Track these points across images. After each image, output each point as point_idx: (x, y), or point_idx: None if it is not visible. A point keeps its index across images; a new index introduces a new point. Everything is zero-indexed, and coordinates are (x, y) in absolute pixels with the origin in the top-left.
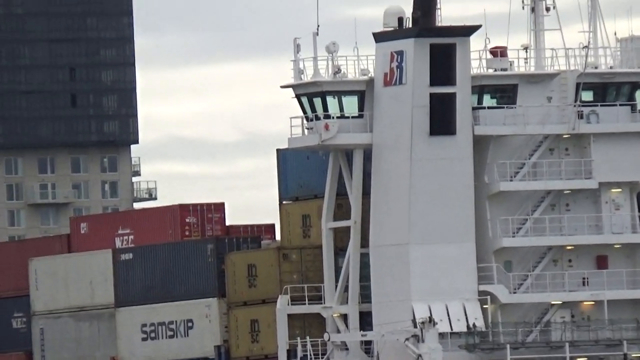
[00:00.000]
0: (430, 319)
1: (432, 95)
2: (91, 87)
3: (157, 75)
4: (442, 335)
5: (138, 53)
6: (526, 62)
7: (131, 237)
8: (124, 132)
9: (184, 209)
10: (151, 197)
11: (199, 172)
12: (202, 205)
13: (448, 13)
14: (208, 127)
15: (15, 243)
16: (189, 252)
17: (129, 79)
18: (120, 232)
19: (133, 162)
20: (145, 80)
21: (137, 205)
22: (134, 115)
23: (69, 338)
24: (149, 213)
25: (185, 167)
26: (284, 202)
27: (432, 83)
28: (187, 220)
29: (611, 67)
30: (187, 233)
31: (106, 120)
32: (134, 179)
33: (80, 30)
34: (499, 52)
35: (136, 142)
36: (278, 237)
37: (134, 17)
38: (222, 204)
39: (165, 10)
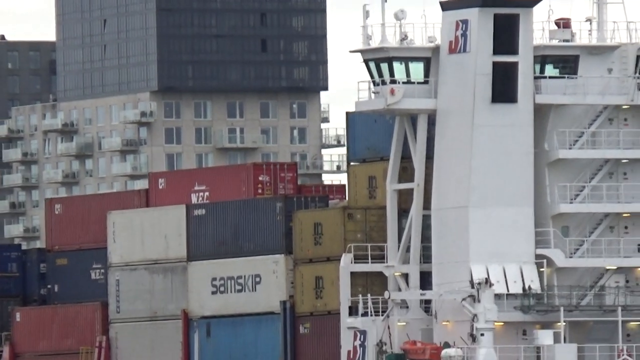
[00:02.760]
0: (487, 280)
1: (494, 63)
2: (281, 33)
3: (346, 20)
4: (498, 296)
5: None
6: (589, 34)
7: (206, 193)
8: (314, 79)
9: (257, 167)
10: (339, 143)
11: None
12: (275, 164)
13: None
14: None
15: (96, 196)
16: (259, 209)
17: (319, 25)
18: (196, 188)
19: (322, 109)
20: (335, 25)
21: (325, 152)
22: (324, 61)
23: (143, 290)
24: (224, 170)
25: None
26: (351, 163)
27: (495, 52)
28: (260, 178)
29: None
30: (259, 191)
31: (296, 66)
32: (323, 126)
33: None
34: (562, 24)
35: (326, 88)
36: None
37: None
38: (295, 164)
39: None
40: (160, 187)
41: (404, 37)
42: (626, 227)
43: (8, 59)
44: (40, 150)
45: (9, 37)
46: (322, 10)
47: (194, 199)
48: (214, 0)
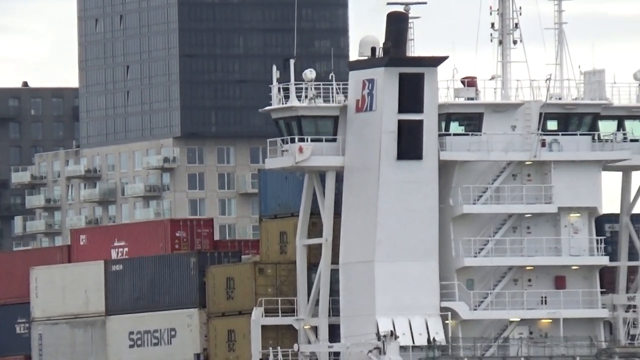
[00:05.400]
0: (392, 333)
1: (400, 121)
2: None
3: None
4: (404, 348)
5: (352, 45)
6: (494, 92)
7: (125, 249)
8: None
9: (174, 223)
10: None
11: None
12: (191, 220)
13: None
14: None
15: (20, 252)
16: (174, 264)
17: (342, 70)
18: (115, 244)
19: None
20: None
21: None
22: None
23: (64, 344)
24: (142, 226)
25: None
26: (263, 219)
27: (401, 110)
28: (177, 234)
29: (575, 99)
30: (177, 246)
31: None
32: None
33: (294, 20)
34: (466, 82)
35: None
36: None
37: (349, 9)
38: (211, 220)
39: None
40: (82, 243)
41: (312, 97)
42: (529, 280)
43: (31, 106)
44: (64, 197)
45: (32, 84)
46: (345, 56)
47: (113, 255)
48: (237, 46)
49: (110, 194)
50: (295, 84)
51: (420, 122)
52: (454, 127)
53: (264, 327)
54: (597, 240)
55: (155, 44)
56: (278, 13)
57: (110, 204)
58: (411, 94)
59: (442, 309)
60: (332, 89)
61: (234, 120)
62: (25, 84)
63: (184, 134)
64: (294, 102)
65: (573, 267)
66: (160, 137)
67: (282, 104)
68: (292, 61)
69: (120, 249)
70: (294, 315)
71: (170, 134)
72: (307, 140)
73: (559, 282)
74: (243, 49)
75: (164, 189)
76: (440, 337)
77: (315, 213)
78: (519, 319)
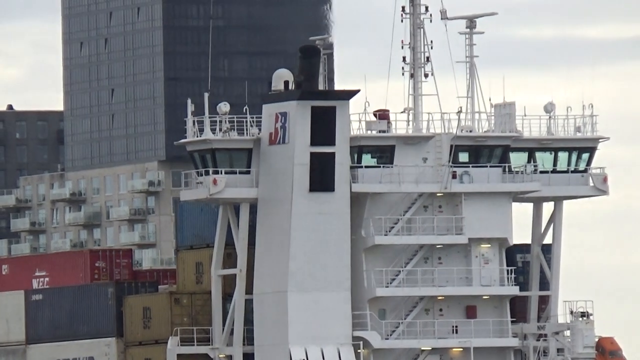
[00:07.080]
0: None
1: (312, 154)
2: None
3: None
4: None
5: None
6: (408, 125)
7: (46, 279)
8: None
9: (93, 253)
10: None
11: None
12: (111, 250)
13: None
14: None
15: None
16: (92, 294)
17: None
18: (37, 274)
19: None
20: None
21: None
22: None
23: None
24: (63, 257)
25: None
26: (180, 250)
27: (313, 143)
28: (97, 264)
29: (486, 131)
30: (96, 277)
31: None
32: None
33: (279, 43)
34: (378, 115)
35: None
36: None
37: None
38: (130, 250)
39: (364, 24)
40: (4, 272)
41: (226, 130)
42: (441, 310)
43: (16, 129)
44: (48, 220)
45: (17, 107)
46: (330, 79)
47: (35, 285)
48: (222, 69)
49: (95, 217)
50: (210, 117)
51: (332, 154)
52: (366, 159)
53: (179, 356)
54: (507, 271)
55: (140, 67)
56: (263, 36)
57: (95, 227)
58: (323, 126)
59: (354, 338)
60: (246, 121)
61: None
62: (10, 107)
63: (168, 158)
64: (208, 135)
65: (484, 297)
66: (145, 160)
67: (197, 136)
68: (206, 94)
69: (42, 279)
70: (209, 345)
71: (155, 157)
72: (222, 173)
73: (470, 312)
74: (228, 72)
75: (149, 212)
76: None
77: (230, 244)
78: (430, 348)
